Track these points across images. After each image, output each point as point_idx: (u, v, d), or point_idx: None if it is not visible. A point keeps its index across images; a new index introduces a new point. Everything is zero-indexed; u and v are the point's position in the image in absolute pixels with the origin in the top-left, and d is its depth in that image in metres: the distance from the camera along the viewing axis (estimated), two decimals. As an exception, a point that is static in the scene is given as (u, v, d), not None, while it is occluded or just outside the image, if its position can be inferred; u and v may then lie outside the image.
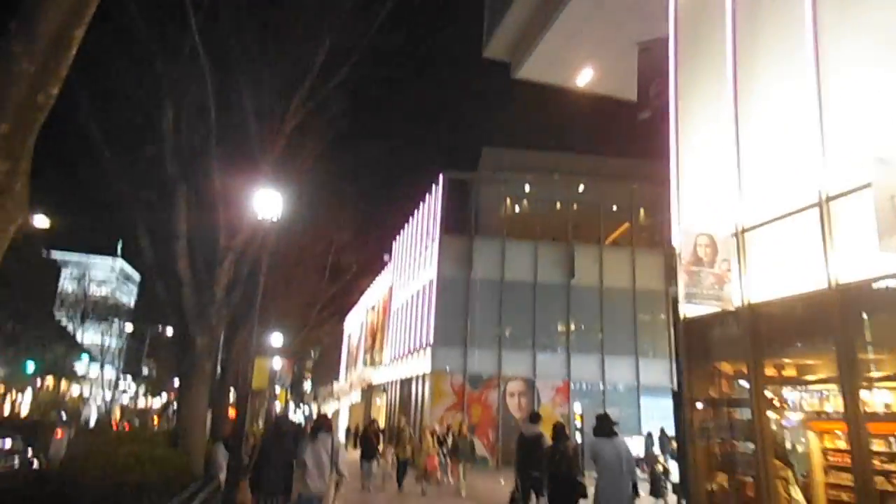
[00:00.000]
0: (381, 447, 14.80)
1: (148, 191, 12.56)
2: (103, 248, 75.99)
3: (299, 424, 21.30)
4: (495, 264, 23.06)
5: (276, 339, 23.77)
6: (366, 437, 14.12)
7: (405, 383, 27.02)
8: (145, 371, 69.83)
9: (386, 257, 35.78)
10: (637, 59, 10.81)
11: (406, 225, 30.54)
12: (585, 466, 9.03)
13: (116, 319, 64.52)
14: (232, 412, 24.41)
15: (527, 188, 25.15)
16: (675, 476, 10.14)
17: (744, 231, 7.01)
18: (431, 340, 22.47)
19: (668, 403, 22.63)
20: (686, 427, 7.66)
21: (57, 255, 66.66)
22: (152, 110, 11.87)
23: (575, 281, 22.98)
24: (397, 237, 33.09)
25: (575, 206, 24.77)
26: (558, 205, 25.11)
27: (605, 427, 7.05)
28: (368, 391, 37.00)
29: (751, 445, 6.83)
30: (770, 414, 6.72)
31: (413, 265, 27.88)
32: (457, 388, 21.94)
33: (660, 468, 10.63)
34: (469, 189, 26.41)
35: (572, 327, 22.96)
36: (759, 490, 6.50)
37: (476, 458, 13.43)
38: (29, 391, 55.24)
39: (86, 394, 65.84)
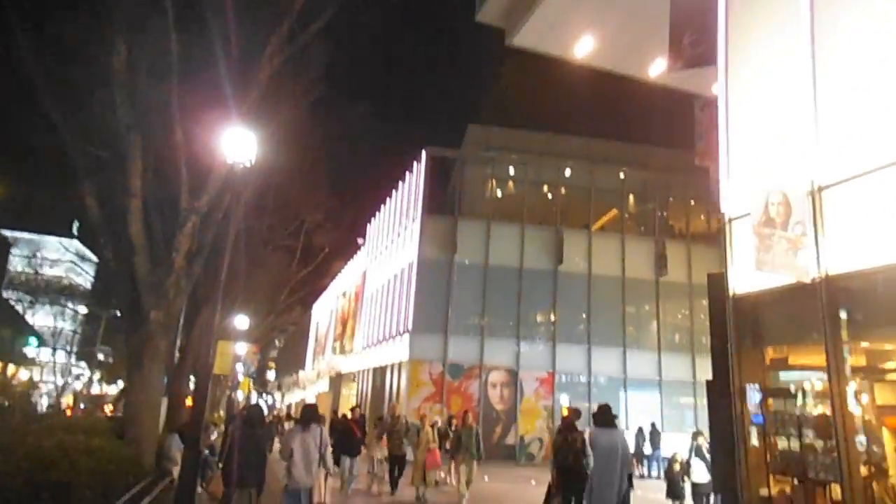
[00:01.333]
0: (367, 440, 12.44)
1: (95, 143, 10.93)
2: (58, 230, 72.11)
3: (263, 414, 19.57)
4: (479, 248, 21.79)
5: (241, 322, 22.06)
6: (345, 429, 11.75)
7: (378, 372, 25.61)
8: (101, 357, 66.70)
9: (360, 241, 34.21)
10: (669, 6, 9.58)
11: (383, 205, 29.01)
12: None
13: (70, 302, 61.34)
14: (190, 401, 22.65)
15: (514, 169, 23.89)
16: (697, 476, 9.05)
17: (821, 189, 5.83)
18: (410, 327, 21.10)
19: (654, 397, 21.83)
20: (736, 422, 6.48)
21: (6, 233, 63.09)
22: (102, 45, 10.20)
23: (563, 267, 21.86)
24: (373, 219, 31.54)
25: (563, 189, 23.64)
26: (546, 187, 23.94)
27: (604, 417, 7.16)
28: (337, 380, 35.49)
29: (821, 443, 5.71)
30: (851, 407, 5.57)
31: (391, 247, 26.41)
32: (435, 378, 20.64)
33: (677, 467, 9.52)
34: (453, 168, 25.05)
35: (558, 316, 21.85)
36: (842, 496, 5.35)
37: (481, 454, 11.35)
38: (-27, 375, 52.04)
39: (36, 378, 62.55)
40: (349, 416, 13.17)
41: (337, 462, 15.07)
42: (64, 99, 10.60)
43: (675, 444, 19.21)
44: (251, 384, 55.32)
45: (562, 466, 7.92)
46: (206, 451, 11.18)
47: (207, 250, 11.14)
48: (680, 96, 22.79)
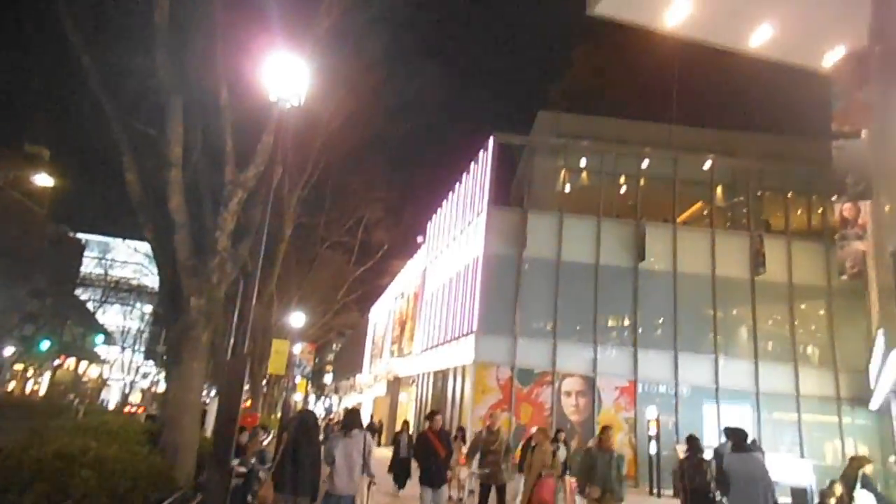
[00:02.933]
0: (456, 459, 9.06)
1: (141, 120, 9.94)
2: (128, 233, 74.74)
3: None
4: (550, 243, 19.91)
5: (297, 319, 21.02)
6: (425, 443, 8.20)
7: (439, 375, 24.04)
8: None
9: (419, 239, 32.86)
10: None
11: (445, 200, 27.49)
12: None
13: (137, 302, 63.04)
14: (248, 403, 21.74)
15: (587, 158, 21.91)
16: (861, 510, 7.04)
17: None
18: (475, 327, 19.43)
19: (749, 411, 19.26)
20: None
21: (80, 236, 65.77)
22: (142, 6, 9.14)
23: (644, 265, 19.72)
24: (434, 216, 30.09)
25: (642, 180, 21.47)
26: (623, 178, 21.85)
27: (737, 442, 6.73)
28: (395, 384, 34.19)
29: None
30: None
31: (454, 244, 24.82)
32: (503, 383, 18.88)
33: (833, 501, 7.49)
34: (521, 157, 23.27)
35: (640, 318, 19.69)
36: None
37: (623, 487, 7.37)
38: (49, 372, 53.88)
39: (105, 375, 64.53)
40: (431, 428, 8.55)
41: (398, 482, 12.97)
42: (106, 71, 9.66)
43: (778, 466, 16.82)
44: (308, 386, 55.04)
45: (688, 489, 7.61)
46: (253, 460, 9.86)
47: (255, 231, 9.88)
48: (777, 72, 20.18)
